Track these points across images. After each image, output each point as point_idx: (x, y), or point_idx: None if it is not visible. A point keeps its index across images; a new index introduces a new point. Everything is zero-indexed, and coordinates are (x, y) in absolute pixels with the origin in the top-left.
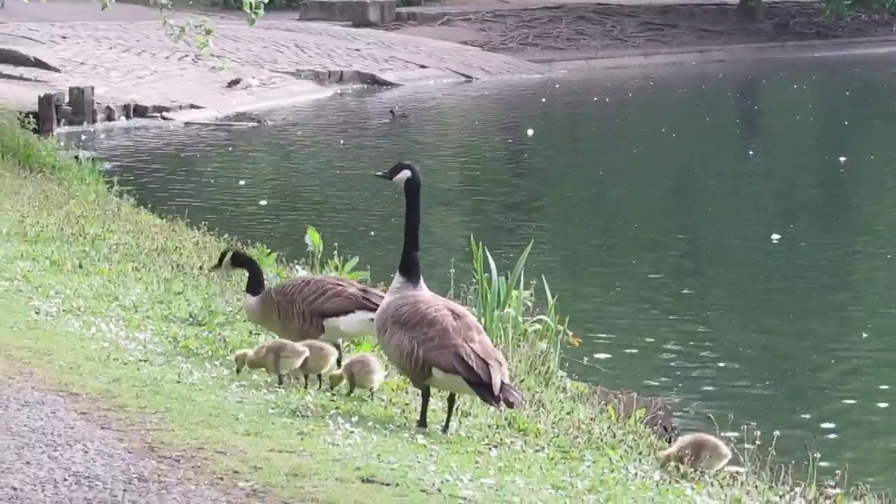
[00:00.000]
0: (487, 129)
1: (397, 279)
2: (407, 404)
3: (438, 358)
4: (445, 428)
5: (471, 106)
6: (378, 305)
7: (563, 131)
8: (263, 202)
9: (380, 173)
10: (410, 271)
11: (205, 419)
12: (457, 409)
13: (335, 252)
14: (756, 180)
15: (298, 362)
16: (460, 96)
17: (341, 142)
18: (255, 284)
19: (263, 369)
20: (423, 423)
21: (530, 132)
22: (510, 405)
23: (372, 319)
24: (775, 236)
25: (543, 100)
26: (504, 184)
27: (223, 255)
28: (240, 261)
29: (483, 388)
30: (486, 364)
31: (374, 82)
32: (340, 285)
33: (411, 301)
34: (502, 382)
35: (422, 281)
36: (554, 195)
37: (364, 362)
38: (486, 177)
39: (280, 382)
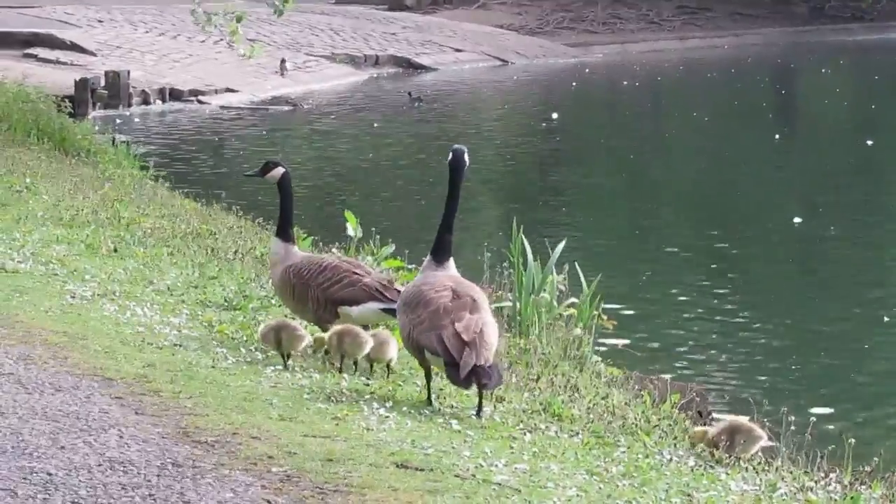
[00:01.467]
0: (518, 113)
1: (426, 260)
2: (441, 389)
3: (425, 340)
4: (478, 412)
5: (504, 90)
6: (392, 298)
7: (592, 115)
8: (300, 186)
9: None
10: (437, 251)
11: (239, 404)
12: (491, 393)
13: (373, 237)
14: (784, 163)
15: (364, 350)
16: (495, 80)
17: (375, 124)
18: (284, 226)
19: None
20: (428, 401)
21: (555, 116)
22: (483, 387)
23: (384, 310)
24: (797, 220)
25: (574, 84)
26: (537, 168)
27: (266, 164)
28: (279, 181)
29: (453, 367)
30: (464, 344)
31: (410, 66)
32: (357, 273)
33: (419, 282)
34: (477, 365)
35: (450, 261)
36: (585, 179)
37: (353, 334)
38: (519, 161)
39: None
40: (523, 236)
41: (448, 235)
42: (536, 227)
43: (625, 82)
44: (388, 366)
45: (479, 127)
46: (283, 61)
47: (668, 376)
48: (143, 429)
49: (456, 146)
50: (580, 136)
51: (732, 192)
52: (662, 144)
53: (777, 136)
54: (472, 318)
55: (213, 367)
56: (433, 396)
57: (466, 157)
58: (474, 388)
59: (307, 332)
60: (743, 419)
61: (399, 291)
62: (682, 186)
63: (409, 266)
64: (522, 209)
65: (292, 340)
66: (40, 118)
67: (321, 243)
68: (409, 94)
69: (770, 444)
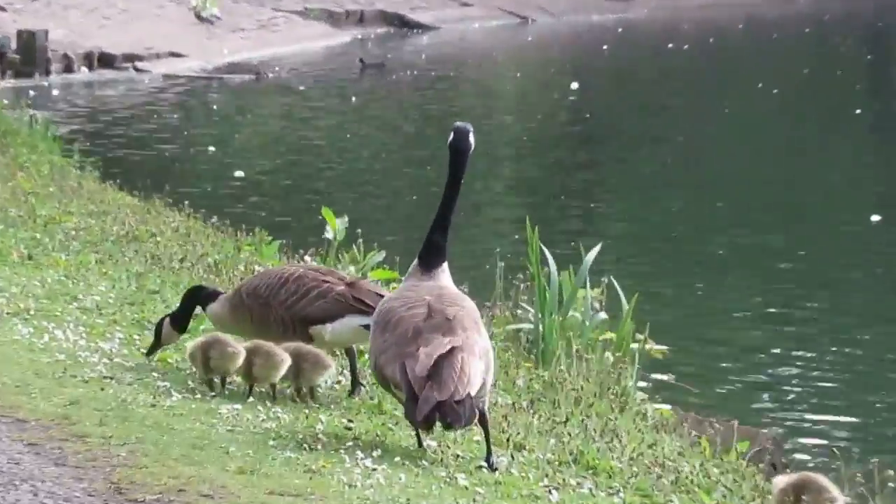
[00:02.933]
0: (536, 84)
1: (412, 266)
2: (443, 434)
3: (389, 370)
4: (488, 461)
5: (520, 55)
6: (372, 306)
7: (626, 87)
8: (263, 176)
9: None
10: (424, 255)
11: (186, 453)
12: (508, 439)
13: (357, 241)
14: (865, 148)
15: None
16: (511, 42)
17: (353, 98)
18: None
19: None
20: (419, 444)
21: (574, 86)
22: (448, 426)
23: (365, 326)
24: (874, 217)
25: (606, 47)
26: (560, 154)
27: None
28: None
29: (412, 403)
30: (425, 379)
31: (404, 24)
32: (326, 282)
33: (395, 296)
34: (441, 400)
35: (442, 268)
36: (619, 168)
37: (268, 353)
38: (536, 145)
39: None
40: (540, 242)
41: (440, 235)
42: (562, 228)
43: (670, 45)
44: (305, 392)
45: (487, 103)
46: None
47: (733, 419)
48: (63, 484)
49: (459, 123)
50: (612, 113)
51: (801, 185)
52: (714, 124)
53: (858, 111)
54: (442, 341)
55: (153, 405)
56: (425, 440)
57: (472, 137)
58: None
59: (243, 350)
60: (814, 474)
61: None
62: (738, 178)
63: (402, 278)
64: (540, 206)
65: (224, 360)
66: None
67: (292, 249)
68: (361, 60)
69: None
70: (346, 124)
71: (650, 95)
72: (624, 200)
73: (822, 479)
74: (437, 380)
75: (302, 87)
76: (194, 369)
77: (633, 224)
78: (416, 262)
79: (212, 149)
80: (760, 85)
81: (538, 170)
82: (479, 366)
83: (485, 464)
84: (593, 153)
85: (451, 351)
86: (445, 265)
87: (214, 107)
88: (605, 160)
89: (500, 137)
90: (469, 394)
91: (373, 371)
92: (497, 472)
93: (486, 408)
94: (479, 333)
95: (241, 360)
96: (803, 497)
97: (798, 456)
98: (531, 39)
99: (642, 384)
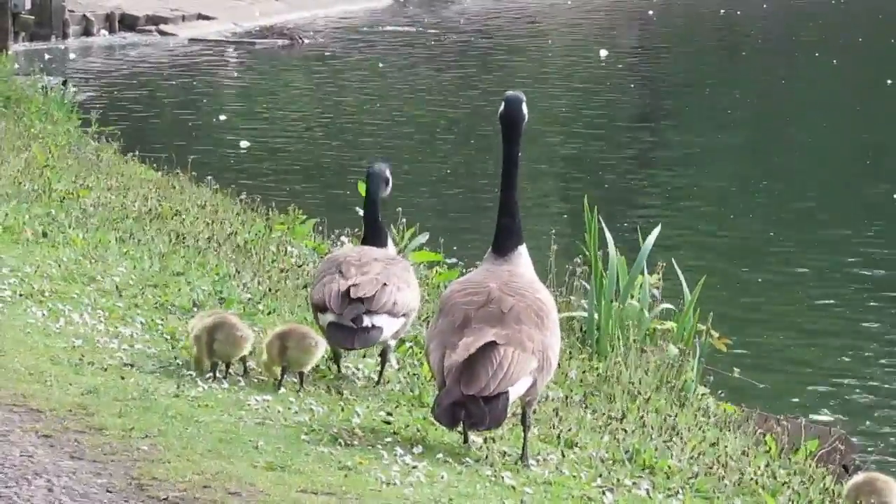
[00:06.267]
0: (580, 50)
1: (487, 252)
2: (490, 429)
3: (432, 358)
4: (523, 457)
5: (566, 18)
6: (348, 311)
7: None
8: (297, 148)
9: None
10: (496, 239)
11: (212, 447)
12: (558, 436)
13: (398, 220)
14: None
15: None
16: (556, 6)
17: (380, 65)
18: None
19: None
20: (465, 440)
21: (603, 54)
22: (470, 426)
23: (333, 325)
24: None
25: (652, 12)
26: (615, 128)
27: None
28: None
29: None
30: (458, 371)
31: None
32: (340, 271)
33: (463, 280)
34: (467, 395)
35: (518, 252)
36: (676, 143)
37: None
38: (587, 117)
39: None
40: (602, 222)
41: (507, 217)
42: (618, 209)
43: (722, 11)
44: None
45: (533, 71)
46: None
47: (801, 417)
48: (80, 479)
49: (510, 93)
50: (665, 83)
51: (876, 164)
52: (779, 97)
53: None
54: (488, 332)
55: (176, 395)
56: (470, 436)
57: (525, 107)
58: (539, 429)
59: (251, 333)
60: (879, 475)
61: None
62: (812, 155)
63: (449, 261)
64: (594, 184)
65: (229, 344)
66: None
67: (325, 227)
68: (284, 31)
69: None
70: (384, 94)
71: (705, 64)
72: (685, 179)
73: (887, 479)
74: (469, 373)
75: (338, 53)
76: (195, 349)
77: (696, 205)
78: (490, 248)
79: (239, 120)
80: (817, 54)
81: (591, 144)
82: (528, 362)
83: (533, 461)
84: (651, 126)
85: (492, 344)
86: (523, 248)
87: (244, 74)
88: (665, 134)
89: (547, 109)
90: (506, 392)
91: (425, 352)
92: (546, 472)
93: (531, 409)
94: (539, 328)
95: (248, 347)
96: (866, 497)
97: (872, 457)
98: (571, 4)
99: (705, 378)
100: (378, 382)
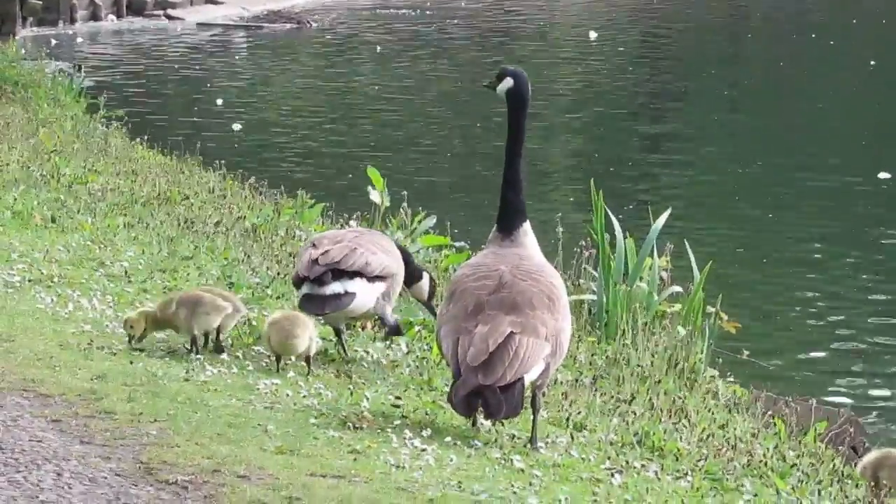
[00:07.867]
0: (596, 34)
1: (492, 232)
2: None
3: (444, 344)
4: (532, 439)
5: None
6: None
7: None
8: (304, 132)
9: (486, 83)
10: (501, 218)
11: (221, 431)
12: (567, 418)
13: (405, 203)
14: None
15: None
16: None
17: (378, 48)
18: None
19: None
20: (473, 424)
21: (592, 35)
22: (488, 416)
23: (305, 296)
24: None
25: None
26: (625, 111)
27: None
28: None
29: (452, 388)
30: (476, 364)
31: None
32: (325, 246)
33: (472, 263)
34: (485, 385)
35: (522, 230)
36: (687, 121)
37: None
38: (597, 99)
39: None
40: (607, 208)
41: (513, 193)
42: (627, 192)
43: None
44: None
45: (547, 52)
46: None
47: (810, 399)
48: (89, 464)
49: (511, 68)
50: (685, 66)
51: (894, 145)
52: (802, 87)
53: None
54: (504, 320)
55: (186, 379)
56: (479, 419)
57: (528, 84)
58: (547, 412)
59: (225, 304)
60: (893, 450)
61: (383, 275)
62: (827, 140)
63: (456, 244)
64: (603, 167)
65: (200, 316)
66: None
67: (333, 212)
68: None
69: None
70: (393, 77)
71: (727, 48)
72: (696, 162)
73: None
74: (486, 362)
75: (346, 37)
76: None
77: (705, 188)
78: (495, 226)
79: (246, 104)
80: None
81: (600, 126)
82: (541, 349)
83: (542, 444)
84: (662, 108)
85: (510, 335)
86: (527, 226)
87: (252, 58)
88: (674, 117)
89: (556, 90)
90: (520, 379)
91: (435, 337)
92: (556, 455)
93: (541, 393)
94: (551, 312)
95: (221, 317)
96: (881, 472)
97: (881, 438)
98: None
99: (714, 360)
100: (383, 340)
